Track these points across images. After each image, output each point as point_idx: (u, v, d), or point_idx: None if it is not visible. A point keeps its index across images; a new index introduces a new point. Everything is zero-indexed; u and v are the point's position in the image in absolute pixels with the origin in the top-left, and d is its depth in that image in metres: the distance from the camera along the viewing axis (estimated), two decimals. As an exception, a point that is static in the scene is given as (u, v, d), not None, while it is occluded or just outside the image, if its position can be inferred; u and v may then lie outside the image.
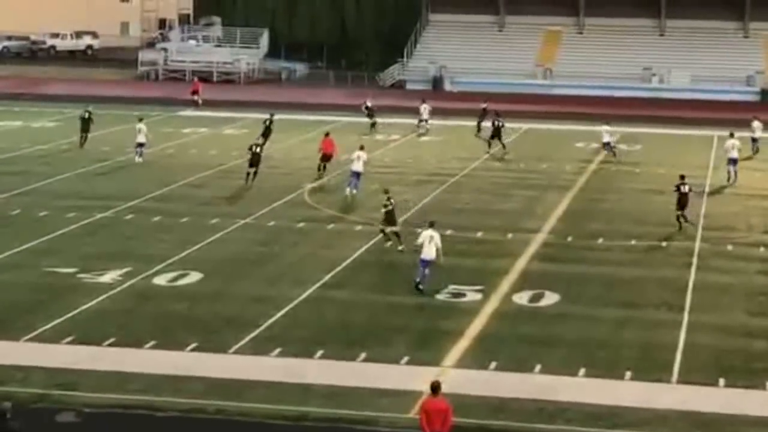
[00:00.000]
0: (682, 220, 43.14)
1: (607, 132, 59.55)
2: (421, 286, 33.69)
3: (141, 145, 55.84)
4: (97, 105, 66.18)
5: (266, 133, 60.34)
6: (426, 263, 33.83)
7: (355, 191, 47.48)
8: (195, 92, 79.95)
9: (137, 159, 55.64)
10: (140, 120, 56.89)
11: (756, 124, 62.26)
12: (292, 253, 38.45)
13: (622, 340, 30.13)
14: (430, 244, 33.69)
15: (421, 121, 67.40)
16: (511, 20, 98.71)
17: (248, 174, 49.98)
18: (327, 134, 53.06)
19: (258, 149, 50.78)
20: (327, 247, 39.51)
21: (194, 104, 78.37)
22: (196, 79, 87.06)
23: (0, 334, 29.23)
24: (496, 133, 60.58)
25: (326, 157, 51.73)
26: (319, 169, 51.87)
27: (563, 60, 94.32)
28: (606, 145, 59.55)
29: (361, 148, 49.14)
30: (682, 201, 43.16)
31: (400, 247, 38.34)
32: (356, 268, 36.90)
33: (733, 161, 53.17)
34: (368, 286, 34.85)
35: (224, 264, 36.75)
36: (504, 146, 60.64)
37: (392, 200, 38.81)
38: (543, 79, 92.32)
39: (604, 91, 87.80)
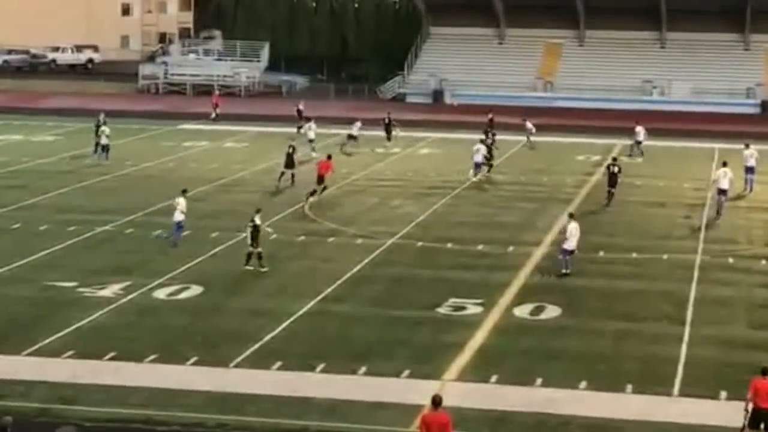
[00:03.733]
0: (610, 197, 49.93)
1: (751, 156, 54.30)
2: (564, 271, 37.31)
3: (311, 140, 62.58)
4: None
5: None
6: (567, 252, 37.53)
7: (478, 176, 55.20)
8: (216, 105, 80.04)
9: (313, 154, 59.82)
10: (310, 120, 65.35)
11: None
12: (293, 267, 38.42)
13: (623, 353, 30.09)
14: (572, 236, 37.49)
15: (637, 143, 65.80)
16: (512, 33, 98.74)
17: (282, 173, 52.73)
18: (329, 157, 51.81)
19: (291, 150, 53.23)
20: (328, 260, 39.47)
21: (216, 117, 78.42)
22: (217, 92, 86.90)
23: (0, 348, 29.22)
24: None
25: (320, 179, 49.78)
26: (314, 193, 49.63)
27: (564, 72, 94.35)
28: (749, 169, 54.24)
29: (482, 141, 57.39)
30: (612, 180, 50.11)
31: (263, 269, 37.31)
32: (357, 281, 36.87)
33: (750, 170, 53.28)
34: (369, 299, 34.80)
35: (225, 278, 36.72)
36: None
37: (258, 219, 37.86)
38: (543, 92, 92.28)
39: (604, 103, 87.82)
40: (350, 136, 65.21)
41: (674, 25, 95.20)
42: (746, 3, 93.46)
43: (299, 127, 70.98)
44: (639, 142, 64.84)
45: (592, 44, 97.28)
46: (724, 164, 49.44)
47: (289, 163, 52.86)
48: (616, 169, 50.31)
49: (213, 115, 78.89)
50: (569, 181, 56.71)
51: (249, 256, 37.46)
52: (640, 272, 38.71)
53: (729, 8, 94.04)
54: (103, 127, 59.98)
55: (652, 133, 70.13)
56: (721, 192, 48.11)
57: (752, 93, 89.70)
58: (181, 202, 41.35)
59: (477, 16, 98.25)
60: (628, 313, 33.65)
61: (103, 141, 59.43)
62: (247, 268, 37.29)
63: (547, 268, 38.62)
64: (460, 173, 57.21)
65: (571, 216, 38.83)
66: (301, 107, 73.96)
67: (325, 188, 49.85)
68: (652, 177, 57.32)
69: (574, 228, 37.84)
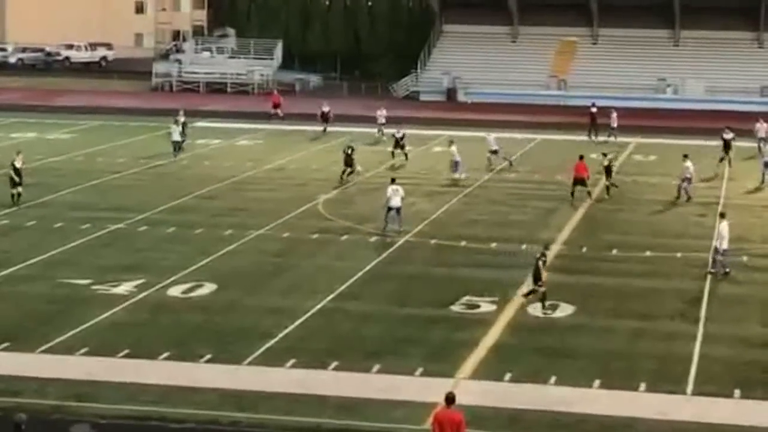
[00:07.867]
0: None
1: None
2: (726, 270, 37.37)
3: (457, 164, 55.69)
4: (111, 117, 66.33)
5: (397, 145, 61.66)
6: (718, 252, 37.59)
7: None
8: (277, 105, 79.49)
9: (459, 176, 55.22)
10: (451, 143, 56.94)
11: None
12: (307, 265, 38.43)
13: (637, 351, 30.04)
14: (723, 236, 37.54)
15: (761, 140, 64.66)
16: (525, 31, 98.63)
17: (343, 171, 53.90)
18: (581, 157, 51.42)
19: (350, 151, 54.48)
20: (341, 258, 39.50)
21: (275, 117, 77.92)
22: (275, 91, 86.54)
23: (15, 346, 29.29)
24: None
25: (578, 181, 50.28)
26: (572, 195, 50.27)
27: (577, 70, 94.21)
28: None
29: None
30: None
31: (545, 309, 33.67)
32: (370, 279, 36.87)
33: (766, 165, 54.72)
34: (383, 297, 34.80)
35: (238, 275, 36.77)
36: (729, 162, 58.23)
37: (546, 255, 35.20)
38: (557, 90, 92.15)
39: (618, 101, 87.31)
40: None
41: (688, 22, 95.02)
42: (760, 1, 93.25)
43: (324, 129, 70.80)
44: (762, 139, 64.47)
45: (605, 42, 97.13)
46: (685, 156, 51.25)
47: (349, 162, 54.39)
48: (606, 162, 51.92)
49: (280, 113, 78.26)
50: (583, 179, 56.54)
51: (534, 293, 34.07)
52: (653, 270, 38.64)
53: (743, 6, 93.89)
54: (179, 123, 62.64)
55: (665, 131, 70.04)
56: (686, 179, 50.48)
57: (766, 91, 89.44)
58: (399, 190, 42.88)
59: (490, 14, 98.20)
60: (642, 311, 33.59)
61: (175, 137, 61.39)
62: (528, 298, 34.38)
63: (561, 266, 38.60)
64: (474, 171, 57.13)
65: (722, 216, 38.76)
66: (325, 109, 72.73)
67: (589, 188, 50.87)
68: (665, 175, 57.13)
69: (724, 228, 37.69)
